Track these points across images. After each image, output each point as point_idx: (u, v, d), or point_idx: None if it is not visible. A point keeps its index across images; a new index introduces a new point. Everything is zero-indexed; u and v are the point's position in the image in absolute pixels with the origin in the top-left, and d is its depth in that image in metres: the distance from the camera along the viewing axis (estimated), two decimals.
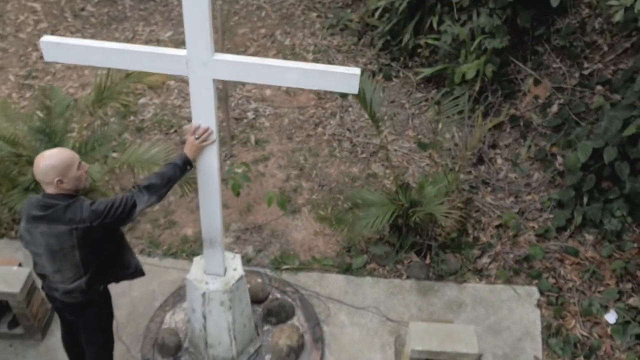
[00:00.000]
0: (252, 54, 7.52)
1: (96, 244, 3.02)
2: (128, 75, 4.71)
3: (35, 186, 4.48)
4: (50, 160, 2.86)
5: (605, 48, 5.61)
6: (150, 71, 3.03)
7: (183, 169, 3.12)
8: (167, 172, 3.07)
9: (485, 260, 5.01)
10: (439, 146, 5.80)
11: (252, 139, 6.16)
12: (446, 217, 4.27)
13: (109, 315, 3.49)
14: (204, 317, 3.76)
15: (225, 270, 3.75)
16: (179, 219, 5.33)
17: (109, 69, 4.79)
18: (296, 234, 5.22)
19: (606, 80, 5.45)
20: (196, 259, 3.85)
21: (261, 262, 4.93)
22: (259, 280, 4.59)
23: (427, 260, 4.91)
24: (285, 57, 7.44)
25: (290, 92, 6.92)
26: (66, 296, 3.16)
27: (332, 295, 4.67)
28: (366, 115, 6.44)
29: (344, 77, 2.79)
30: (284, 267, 4.86)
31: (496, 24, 5.70)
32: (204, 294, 3.65)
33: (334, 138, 6.25)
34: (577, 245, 5.03)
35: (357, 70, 2.78)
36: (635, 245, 4.89)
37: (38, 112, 4.86)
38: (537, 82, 5.96)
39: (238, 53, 7.62)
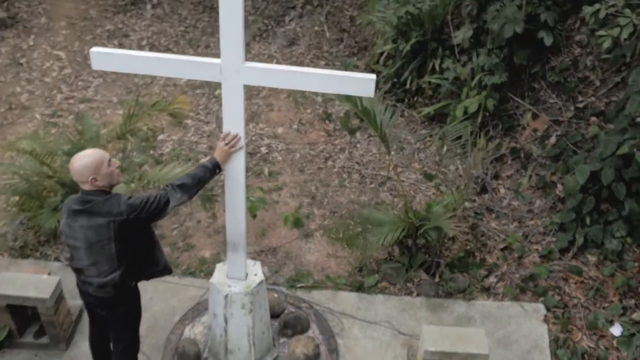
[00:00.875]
0: (264, 97, 7.96)
1: (131, 238, 3.26)
2: (154, 104, 5.07)
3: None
4: (83, 161, 3.15)
5: (598, 83, 6.00)
6: (189, 78, 3.36)
7: (213, 172, 3.40)
8: (198, 173, 3.36)
9: (492, 279, 5.20)
10: (444, 177, 6.10)
11: (266, 170, 6.46)
12: (453, 230, 4.49)
13: (138, 314, 3.67)
14: (225, 321, 3.93)
15: (247, 275, 3.95)
16: (196, 242, 5.56)
17: (137, 99, 5.18)
18: (309, 256, 5.43)
19: (600, 112, 5.81)
20: (219, 265, 4.06)
21: (277, 281, 5.12)
22: (275, 295, 4.77)
23: (437, 279, 5.10)
24: (296, 102, 7.86)
25: (300, 130, 7.28)
26: (100, 290, 3.36)
27: (345, 311, 4.84)
28: (374, 150, 6.84)
29: (361, 81, 3.12)
30: (299, 285, 5.04)
31: (494, 62, 6.12)
32: (226, 296, 3.84)
33: (344, 170, 6.55)
34: (580, 265, 5.22)
35: (372, 76, 3.11)
36: (636, 264, 5.09)
37: (69, 136, 5.18)
38: (535, 116, 6.32)
39: (250, 96, 8.07)
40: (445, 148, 5.06)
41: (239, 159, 3.47)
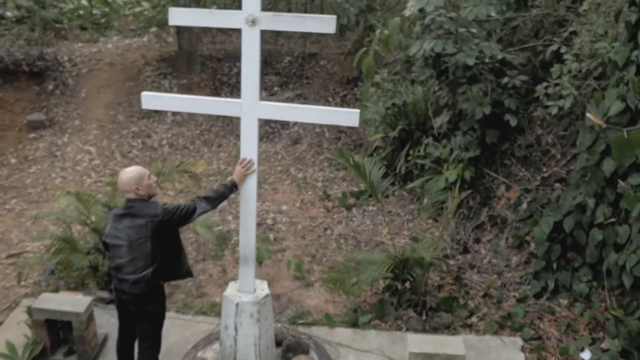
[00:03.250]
0: (271, 182, 8.93)
1: (163, 238, 4.02)
2: (177, 165, 6.01)
3: (94, 253, 5.52)
4: (129, 174, 4.01)
5: (559, 156, 6.96)
6: (218, 114, 4.31)
7: (231, 189, 4.23)
8: (220, 189, 4.19)
9: (474, 319, 5.76)
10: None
11: (271, 236, 7.23)
12: (434, 260, 5.18)
13: (163, 314, 4.29)
14: (235, 329, 4.52)
15: (255, 289, 4.61)
16: (209, 291, 6.19)
17: (163, 163, 6.13)
18: (309, 301, 6.04)
19: (562, 178, 6.69)
20: (231, 283, 4.72)
21: (279, 319, 5.69)
22: (279, 325, 5.33)
23: (424, 317, 5.67)
24: (298, 186, 8.83)
25: (302, 207, 8.15)
26: (134, 287, 4.04)
27: (341, 342, 5.37)
28: (368, 222, 7.65)
29: (347, 114, 4.06)
30: (300, 322, 5.61)
31: (469, 140, 7.14)
32: (237, 305, 4.47)
33: (341, 237, 7.32)
34: (553, 306, 5.81)
35: (356, 110, 4.06)
36: (602, 304, 5.68)
37: (107, 188, 6.05)
38: (508, 187, 7.21)
39: (258, 184, 9.03)
40: (426, 200, 5.86)
41: (251, 181, 4.32)
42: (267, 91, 11.91)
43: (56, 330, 4.88)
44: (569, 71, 6.02)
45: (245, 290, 4.59)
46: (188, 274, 4.32)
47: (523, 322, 5.65)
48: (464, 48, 6.66)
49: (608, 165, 5.39)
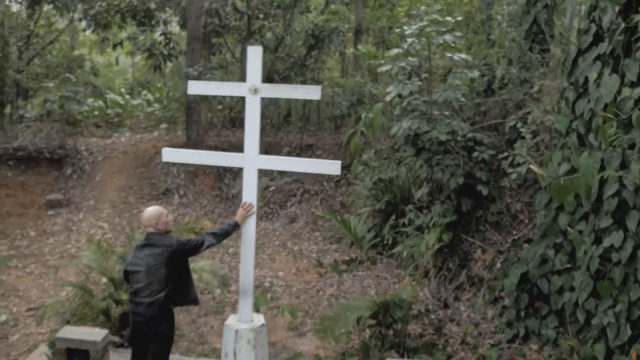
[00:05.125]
0: (269, 254, 9.67)
1: (176, 267, 4.76)
2: (187, 223, 6.83)
3: (108, 299, 6.21)
4: (151, 212, 4.83)
5: (527, 221, 7.78)
6: (224, 165, 5.21)
7: (234, 228, 5.03)
8: (225, 227, 5.00)
9: None
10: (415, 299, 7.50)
11: (269, 296, 7.87)
12: (411, 296, 5.85)
13: (173, 335, 4.91)
14: (235, 355, 5.11)
15: (253, 320, 5.26)
16: (210, 340, 6.77)
17: (175, 218, 6.95)
18: (302, 347, 6.61)
19: (529, 239, 7.47)
20: (232, 316, 5.38)
21: None
22: None
23: (405, 358, 6.22)
24: (294, 257, 9.56)
25: (298, 274, 8.84)
26: (148, 309, 4.72)
27: None
28: (358, 286, 8.32)
29: (332, 164, 4.96)
30: None
31: (447, 208, 7.99)
32: (237, 332, 5.10)
33: (332, 297, 7.96)
34: (524, 350, 6.37)
35: (339, 162, 4.97)
36: (568, 344, 6.25)
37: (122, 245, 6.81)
38: (484, 250, 7.96)
39: (257, 253, 9.75)
40: (403, 251, 6.60)
41: (251, 222, 5.13)
42: (268, 177, 12.92)
43: None
44: (528, 145, 7.01)
45: (244, 320, 5.23)
46: (195, 301, 5.00)
47: None
48: (437, 127, 7.70)
49: (563, 220, 6.20)
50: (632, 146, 4.92)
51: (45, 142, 13.04)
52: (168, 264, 4.69)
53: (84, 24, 15.90)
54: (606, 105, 5.19)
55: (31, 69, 16.04)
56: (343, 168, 13.20)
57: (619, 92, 4.98)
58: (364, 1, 14.58)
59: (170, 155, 5.15)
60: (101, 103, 20.19)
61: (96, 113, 19.80)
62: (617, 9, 5.08)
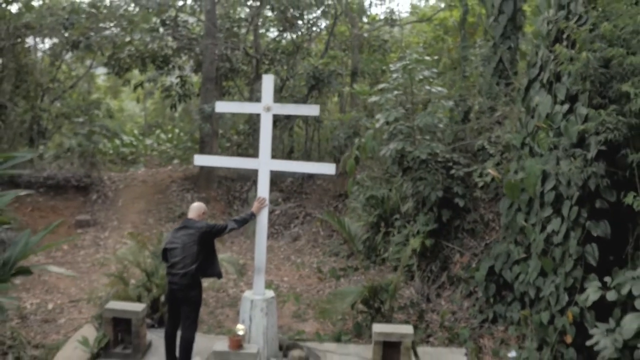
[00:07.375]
0: (275, 265, 10.90)
1: (205, 245, 6.04)
2: None
3: (140, 287, 7.44)
4: (199, 205, 6.22)
5: (497, 228, 9.05)
6: (243, 167, 6.57)
7: (251, 217, 6.36)
8: (244, 216, 6.33)
9: (431, 339, 7.48)
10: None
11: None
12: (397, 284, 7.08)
13: (200, 300, 6.16)
14: (250, 320, 6.33)
15: (264, 293, 6.50)
16: (225, 324, 7.95)
17: None
18: (304, 328, 7.79)
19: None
20: (247, 291, 6.62)
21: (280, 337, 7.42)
22: (280, 335, 7.08)
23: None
24: (297, 267, 10.79)
25: (300, 279, 10.05)
26: (182, 278, 5.98)
27: (328, 350, 7.07)
28: (353, 286, 9.49)
29: (328, 166, 6.34)
30: (297, 337, 7.34)
31: (428, 218, 9.28)
32: (252, 301, 6.34)
33: (330, 295, 9.14)
34: (492, 330, 7.55)
35: (333, 164, 6.33)
36: (522, 314, 7.41)
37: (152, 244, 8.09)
38: (461, 254, 9.20)
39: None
40: (392, 255, 7.86)
41: (264, 213, 6.46)
42: (273, 203, 14.23)
43: (117, 331, 6.65)
44: (495, 161, 8.38)
45: (258, 293, 6.48)
46: (219, 275, 6.26)
47: (469, 338, 7.37)
48: (419, 147, 9.08)
49: (519, 217, 7.48)
50: (564, 149, 6.24)
51: (71, 172, 14.44)
52: (199, 242, 5.99)
53: (99, 69, 17.43)
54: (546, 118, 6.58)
55: (53, 110, 17.56)
56: (340, 195, 14.67)
57: (552, 109, 6.37)
58: (359, 47, 16.25)
59: (201, 159, 6.53)
60: (117, 142, 21.72)
61: (111, 151, 21.31)
62: (547, 43, 6.54)
